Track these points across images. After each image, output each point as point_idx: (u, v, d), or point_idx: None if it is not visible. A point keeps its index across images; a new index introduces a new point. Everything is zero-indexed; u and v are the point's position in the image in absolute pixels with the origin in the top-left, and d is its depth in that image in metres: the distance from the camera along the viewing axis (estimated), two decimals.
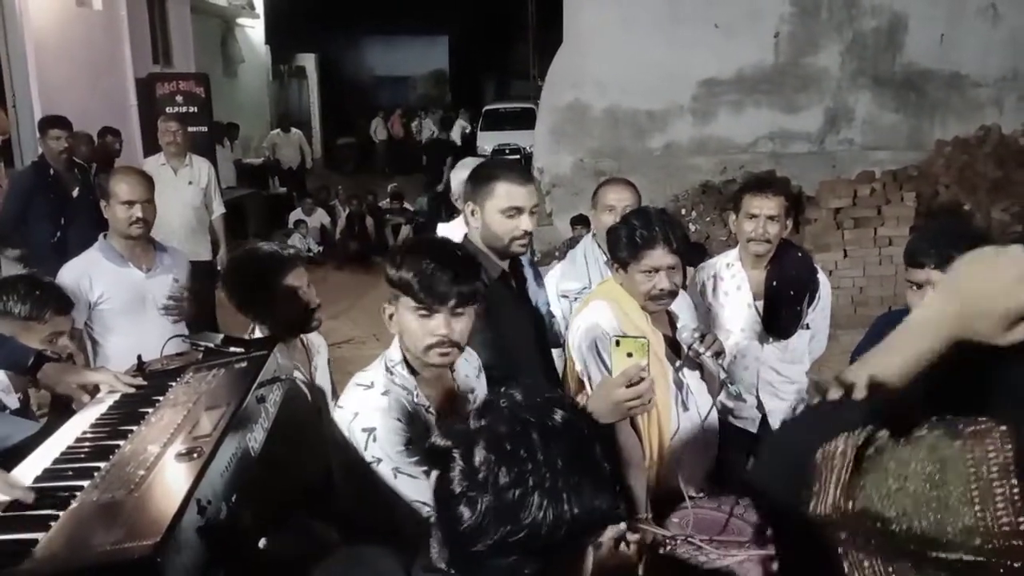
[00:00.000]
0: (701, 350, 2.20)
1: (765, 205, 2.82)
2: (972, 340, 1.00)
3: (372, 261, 9.56)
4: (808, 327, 2.96)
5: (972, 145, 8.24)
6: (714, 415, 2.45)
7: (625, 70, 9.35)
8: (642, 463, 2.23)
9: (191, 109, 9.22)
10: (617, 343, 1.82)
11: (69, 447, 1.63)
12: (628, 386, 1.76)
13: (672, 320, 2.42)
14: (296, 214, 10.55)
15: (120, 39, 9.48)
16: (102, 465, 1.48)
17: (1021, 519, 0.82)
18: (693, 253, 3.14)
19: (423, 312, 1.75)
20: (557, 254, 6.79)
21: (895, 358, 1.05)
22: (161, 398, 1.80)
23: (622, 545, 1.36)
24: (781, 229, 2.85)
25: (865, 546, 0.90)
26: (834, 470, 0.94)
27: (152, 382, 1.95)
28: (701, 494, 2.19)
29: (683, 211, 8.60)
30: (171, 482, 1.35)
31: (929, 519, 0.86)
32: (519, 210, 2.25)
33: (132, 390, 1.90)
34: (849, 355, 2.48)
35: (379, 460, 1.72)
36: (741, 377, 2.88)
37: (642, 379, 1.77)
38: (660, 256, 2.21)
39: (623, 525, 1.19)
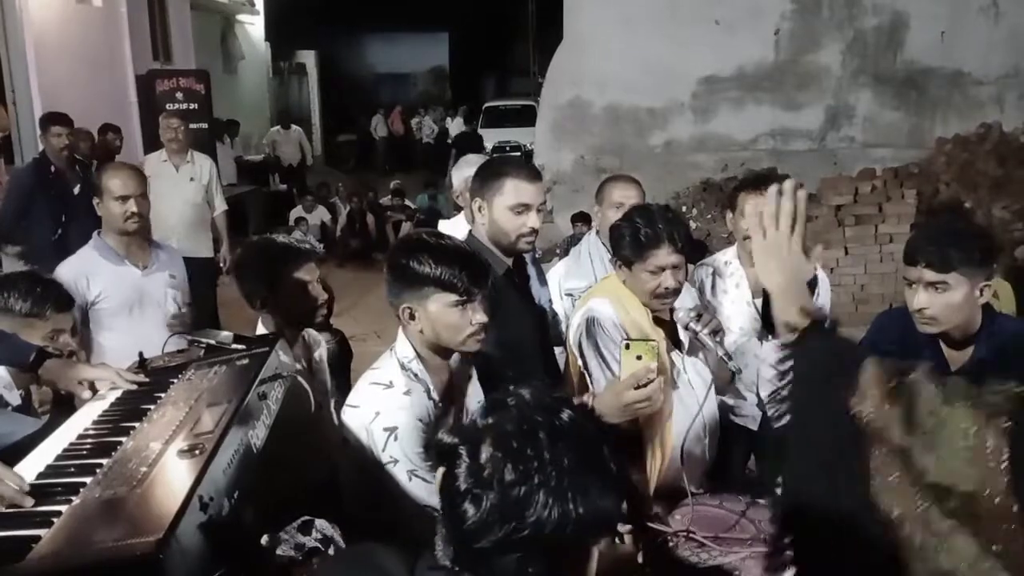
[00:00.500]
0: (698, 329, 2.20)
1: (761, 202, 2.81)
2: None
3: (373, 258, 9.55)
4: None
5: (973, 143, 8.23)
6: (716, 412, 2.45)
7: (626, 67, 9.35)
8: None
9: (191, 106, 9.21)
10: (627, 346, 1.87)
11: (71, 444, 1.63)
12: (637, 388, 1.79)
13: (672, 316, 2.42)
14: (297, 211, 10.54)
15: (120, 36, 9.48)
16: (104, 462, 1.47)
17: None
18: (694, 251, 3.14)
19: (460, 303, 1.77)
20: (558, 251, 6.79)
21: None
22: (163, 395, 1.80)
23: (618, 540, 1.37)
24: None
25: (892, 462, 1.09)
26: (881, 380, 1.13)
27: (154, 379, 1.95)
28: (703, 491, 2.20)
29: (684, 208, 8.60)
30: (173, 479, 1.35)
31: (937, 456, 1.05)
32: (527, 207, 2.25)
33: (134, 387, 1.90)
34: None
35: (396, 461, 1.72)
36: (741, 376, 2.88)
37: (650, 381, 1.80)
38: (665, 256, 2.21)
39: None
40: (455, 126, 17.50)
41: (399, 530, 1.70)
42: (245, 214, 10.12)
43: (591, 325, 2.28)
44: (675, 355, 2.34)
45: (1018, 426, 1.02)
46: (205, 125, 9.27)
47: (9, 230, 5.09)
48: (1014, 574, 1.01)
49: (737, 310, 2.94)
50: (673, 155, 9.57)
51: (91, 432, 1.68)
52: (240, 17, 15.26)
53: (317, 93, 19.54)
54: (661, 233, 2.21)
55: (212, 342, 2.09)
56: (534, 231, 2.28)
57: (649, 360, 1.81)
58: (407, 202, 11.22)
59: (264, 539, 1.38)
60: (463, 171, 3.28)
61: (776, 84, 9.47)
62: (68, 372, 2.01)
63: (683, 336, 2.36)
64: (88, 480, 1.41)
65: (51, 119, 5.36)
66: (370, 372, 1.88)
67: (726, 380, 2.45)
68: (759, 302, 2.91)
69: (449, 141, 16.66)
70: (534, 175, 2.31)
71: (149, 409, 1.73)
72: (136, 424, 1.65)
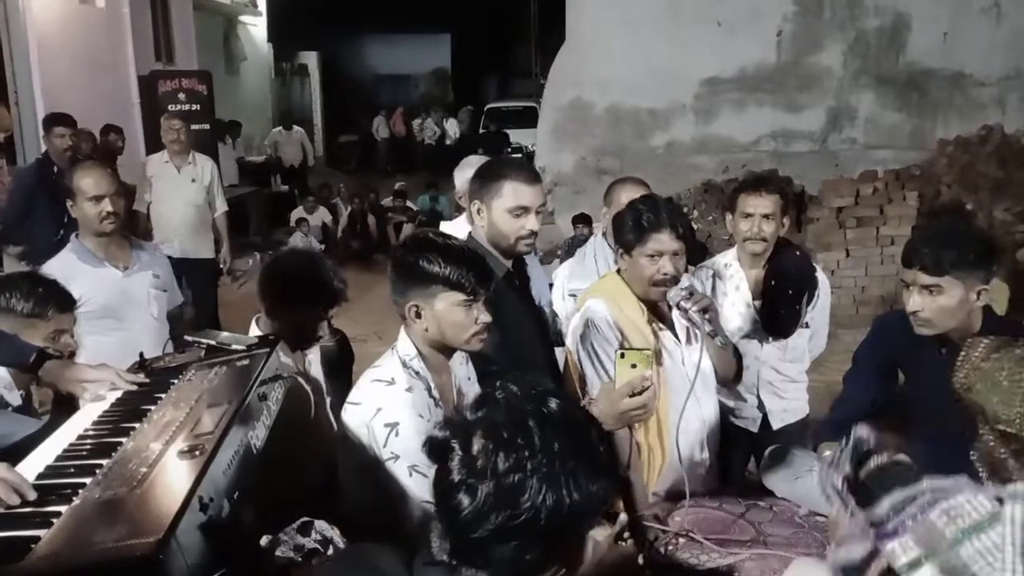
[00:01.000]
0: (688, 307, 2.20)
1: (760, 204, 2.82)
2: None
3: (374, 259, 9.55)
4: (807, 326, 2.95)
5: (974, 145, 8.23)
6: (717, 413, 2.45)
7: (627, 68, 9.35)
8: (637, 460, 2.24)
9: (193, 107, 9.20)
10: (622, 355, 1.88)
11: (71, 444, 1.63)
12: (632, 395, 1.80)
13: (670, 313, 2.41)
14: (298, 212, 10.55)
15: (123, 36, 9.51)
16: (104, 462, 1.47)
17: None
18: (695, 252, 3.13)
19: (467, 302, 1.80)
20: (559, 253, 6.79)
21: None
22: (163, 395, 1.80)
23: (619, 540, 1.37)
24: (777, 227, 2.85)
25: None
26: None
27: (154, 379, 1.95)
28: (703, 492, 2.20)
29: (685, 210, 8.60)
30: (173, 479, 1.35)
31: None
32: (526, 209, 2.25)
33: (134, 387, 1.91)
34: (850, 354, 2.49)
35: (396, 457, 1.73)
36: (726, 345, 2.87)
37: (645, 389, 1.81)
38: (666, 240, 2.23)
39: (624, 517, 1.21)
40: (451, 126, 17.54)
41: (398, 528, 1.71)
42: (247, 215, 10.14)
43: (586, 326, 2.30)
44: (671, 342, 2.34)
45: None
46: (207, 126, 9.26)
47: (11, 230, 5.10)
48: None
49: (737, 312, 2.95)
50: (674, 156, 9.57)
51: (91, 433, 1.68)
52: (242, 18, 15.28)
53: (319, 94, 19.57)
54: (663, 218, 2.24)
55: (212, 343, 2.09)
56: (533, 233, 2.28)
57: (644, 368, 1.83)
58: (408, 203, 11.23)
59: (263, 540, 1.38)
60: (465, 172, 3.28)
61: (777, 85, 9.47)
62: (68, 373, 2.01)
63: (680, 330, 2.36)
64: (88, 481, 1.40)
65: (54, 120, 5.37)
66: (372, 370, 1.89)
67: (727, 367, 2.43)
68: (759, 304, 2.92)
69: (448, 143, 16.69)
70: (533, 177, 2.31)
71: (149, 410, 1.73)
72: (136, 425, 1.65)
